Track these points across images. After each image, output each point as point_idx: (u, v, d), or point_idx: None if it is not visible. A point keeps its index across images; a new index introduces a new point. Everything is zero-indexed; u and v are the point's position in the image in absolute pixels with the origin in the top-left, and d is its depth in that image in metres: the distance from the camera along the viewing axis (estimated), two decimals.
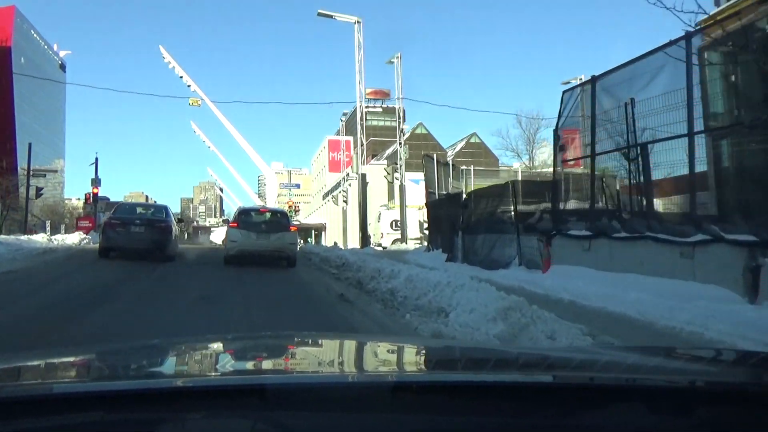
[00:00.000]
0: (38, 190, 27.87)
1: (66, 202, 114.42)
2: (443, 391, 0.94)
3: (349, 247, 33.08)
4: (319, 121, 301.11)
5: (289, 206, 34.08)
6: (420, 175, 55.65)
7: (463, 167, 15.35)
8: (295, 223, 14.70)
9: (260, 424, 0.79)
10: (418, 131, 51.01)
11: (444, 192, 15.22)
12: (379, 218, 28.96)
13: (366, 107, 68.91)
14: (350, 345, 1.75)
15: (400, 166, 20.15)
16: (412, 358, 1.53)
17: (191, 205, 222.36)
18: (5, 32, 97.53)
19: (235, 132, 44.67)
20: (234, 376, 1.17)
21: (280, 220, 12.78)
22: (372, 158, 60.74)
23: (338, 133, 75.92)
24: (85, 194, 31.74)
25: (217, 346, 1.65)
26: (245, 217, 12.64)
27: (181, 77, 44.67)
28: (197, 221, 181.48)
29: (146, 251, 11.93)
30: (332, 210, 58.03)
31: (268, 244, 11.79)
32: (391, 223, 28.52)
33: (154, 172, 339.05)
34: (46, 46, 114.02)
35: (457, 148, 55.15)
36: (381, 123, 72.70)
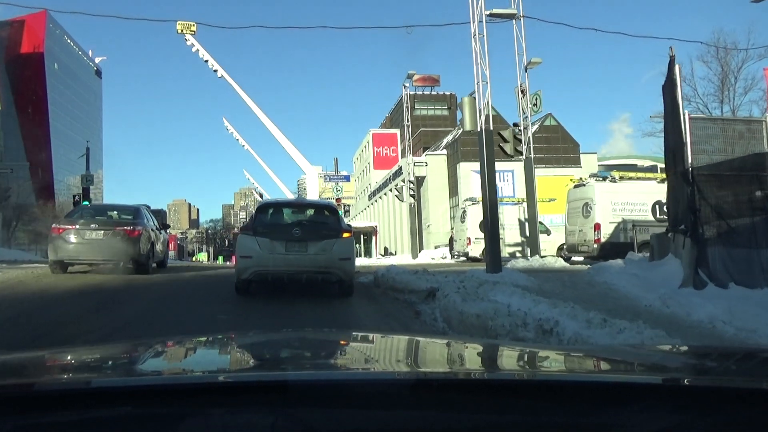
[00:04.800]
0: (4, 191, 21.67)
1: None
2: (464, 387, 0.92)
3: (423, 257, 25.13)
4: (360, 119, 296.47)
5: (337, 204, 26.71)
6: None
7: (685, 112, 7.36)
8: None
9: (281, 420, 0.78)
10: (485, 113, 42.79)
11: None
12: (463, 217, 21.17)
13: (413, 94, 61.33)
14: (371, 342, 1.69)
15: (525, 129, 12.63)
16: (434, 356, 1.48)
17: (232, 212, 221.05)
18: (37, 38, 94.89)
19: (271, 125, 38.09)
20: (256, 372, 1.15)
21: (324, 219, 7.86)
22: (423, 151, 53.19)
23: (394, 109, 68.74)
24: (73, 196, 25.48)
25: (239, 342, 1.63)
26: (266, 216, 7.86)
27: (206, 61, 38.34)
28: (237, 228, 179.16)
29: (108, 263, 9.93)
30: (386, 210, 51.05)
31: (305, 260, 7.26)
32: (481, 224, 20.71)
33: (197, 180, 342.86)
34: (80, 52, 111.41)
35: (528, 133, 46.18)
36: (431, 112, 65.31)
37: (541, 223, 21.16)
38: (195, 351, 1.51)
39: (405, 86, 24.01)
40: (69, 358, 1.38)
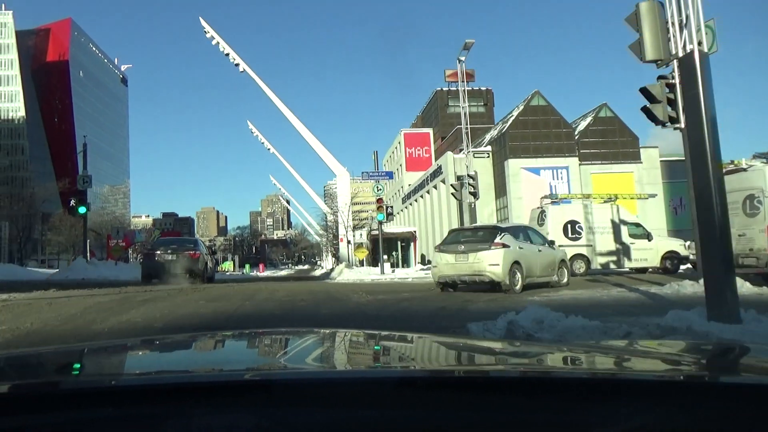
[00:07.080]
0: None
1: (134, 219, 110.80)
2: (449, 385, 0.92)
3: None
4: (387, 121, 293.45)
5: (378, 206, 22.73)
6: (544, 162, 41.99)
7: None
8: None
9: (265, 420, 0.78)
10: (534, 103, 38.56)
11: None
12: (541, 218, 16.77)
13: (447, 90, 56.96)
14: (357, 340, 1.69)
15: (680, 84, 8.60)
16: (419, 354, 1.45)
17: (259, 218, 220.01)
18: (62, 46, 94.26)
19: (297, 122, 34.51)
20: (240, 372, 1.13)
21: (482, 236, 10.68)
22: (459, 150, 48.87)
23: (426, 107, 64.82)
24: (68, 200, 22.18)
25: (223, 341, 1.62)
26: (449, 236, 11.51)
27: (227, 54, 35.49)
28: (265, 234, 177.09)
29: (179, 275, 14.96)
30: (423, 214, 47.04)
31: (465, 267, 10.37)
32: (567, 226, 16.39)
33: (225, 187, 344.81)
34: (105, 60, 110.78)
35: (581, 126, 41.88)
36: (465, 109, 60.93)
37: (638, 224, 16.79)
38: (179, 350, 1.48)
39: (460, 60, 19.99)
40: (46, 359, 1.33)
